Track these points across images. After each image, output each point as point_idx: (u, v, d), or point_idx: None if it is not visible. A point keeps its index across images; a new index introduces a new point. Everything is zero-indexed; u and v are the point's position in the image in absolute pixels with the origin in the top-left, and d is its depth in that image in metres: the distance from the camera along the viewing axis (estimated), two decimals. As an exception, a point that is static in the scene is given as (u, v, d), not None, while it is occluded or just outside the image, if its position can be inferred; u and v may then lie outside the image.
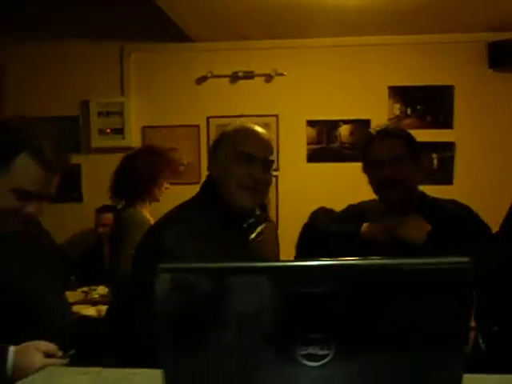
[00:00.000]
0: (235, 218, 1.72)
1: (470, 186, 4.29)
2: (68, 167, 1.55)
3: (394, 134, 2.02)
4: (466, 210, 2.05)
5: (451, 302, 0.78)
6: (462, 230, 1.90)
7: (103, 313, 3.29)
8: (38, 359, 1.37)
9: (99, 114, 4.57)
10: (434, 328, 0.79)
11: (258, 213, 1.81)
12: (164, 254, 1.54)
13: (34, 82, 4.64)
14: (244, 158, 1.70)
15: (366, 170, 2.06)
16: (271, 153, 1.78)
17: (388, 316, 0.78)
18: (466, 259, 0.77)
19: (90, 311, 3.38)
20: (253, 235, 1.76)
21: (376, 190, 2.01)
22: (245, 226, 1.75)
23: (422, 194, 2.08)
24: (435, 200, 2.08)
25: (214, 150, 1.79)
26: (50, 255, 1.69)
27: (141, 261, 1.68)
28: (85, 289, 3.86)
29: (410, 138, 2.04)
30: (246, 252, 1.72)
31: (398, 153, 1.94)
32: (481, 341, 1.60)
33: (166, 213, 1.75)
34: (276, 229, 2.05)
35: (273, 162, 1.78)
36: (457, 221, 1.94)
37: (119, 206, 3.58)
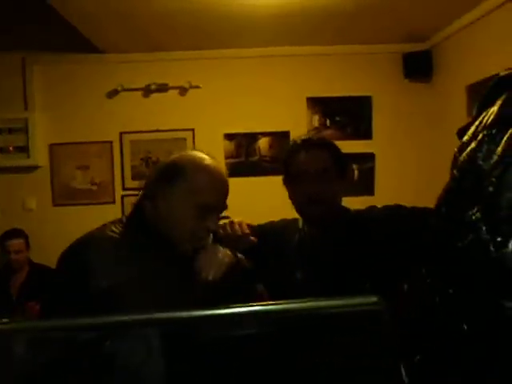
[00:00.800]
0: (163, 243, 1.57)
1: (389, 196, 4.22)
2: None
3: (319, 144, 1.84)
4: (389, 209, 1.93)
5: (365, 342, 0.77)
6: (391, 227, 1.79)
7: None
8: None
9: (0, 130, 4.22)
10: (354, 369, 0.77)
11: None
12: (76, 276, 1.48)
13: None
14: (204, 210, 1.53)
15: (287, 182, 1.88)
16: (226, 198, 1.60)
17: (305, 361, 0.76)
18: (374, 299, 0.73)
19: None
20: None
21: (297, 206, 1.84)
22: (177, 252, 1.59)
23: (345, 209, 1.91)
24: (358, 213, 1.92)
25: (165, 185, 1.57)
26: None
27: (56, 284, 1.60)
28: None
29: (336, 148, 1.86)
30: (179, 280, 1.57)
31: (323, 165, 1.77)
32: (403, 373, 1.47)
33: (88, 232, 1.59)
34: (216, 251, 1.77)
35: (226, 206, 1.62)
36: (383, 224, 1.82)
37: None
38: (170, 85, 4.32)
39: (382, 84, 4.38)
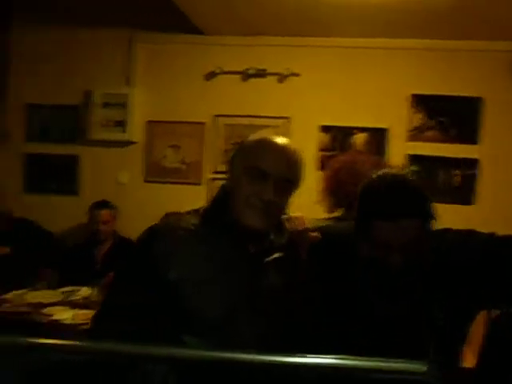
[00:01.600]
0: (241, 238, 1.53)
1: (492, 206, 3.95)
2: None
3: (410, 210, 1.47)
4: (464, 235, 1.63)
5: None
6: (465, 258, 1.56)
7: (79, 319, 3.06)
8: None
9: (102, 104, 4.34)
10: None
11: (272, 237, 1.57)
12: (148, 262, 1.49)
13: (38, 68, 4.43)
14: (255, 174, 1.49)
15: (367, 247, 1.55)
16: (292, 173, 1.53)
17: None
18: (424, 368, 0.67)
19: (65, 315, 3.14)
20: (268, 259, 1.55)
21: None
22: (252, 251, 1.54)
23: None
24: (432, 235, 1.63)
25: (231, 161, 1.61)
26: None
27: (125, 264, 1.63)
28: (67, 288, 3.63)
29: (428, 209, 1.50)
30: (249, 278, 1.52)
31: (412, 237, 1.47)
32: None
33: (168, 215, 1.60)
34: (299, 260, 1.65)
35: (292, 183, 1.54)
36: (456, 254, 1.59)
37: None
38: (269, 70, 4.22)
39: (495, 85, 4.02)
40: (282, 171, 1.49)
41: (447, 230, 1.68)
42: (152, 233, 1.56)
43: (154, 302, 1.48)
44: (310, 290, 1.62)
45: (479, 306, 1.62)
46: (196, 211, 1.59)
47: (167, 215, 1.62)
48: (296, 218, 1.66)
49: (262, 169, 1.48)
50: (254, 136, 1.59)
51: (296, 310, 1.58)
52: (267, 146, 1.53)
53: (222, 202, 1.57)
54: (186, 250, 1.50)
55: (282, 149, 1.53)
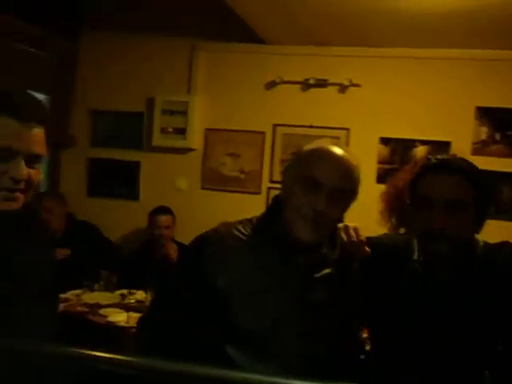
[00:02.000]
0: (291, 250, 1.50)
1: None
2: (45, 118, 1.31)
3: (456, 168, 1.52)
4: None
5: None
6: None
7: (133, 322, 3.11)
8: None
9: (163, 111, 4.42)
10: None
11: (324, 251, 1.54)
12: (197, 269, 1.51)
13: (103, 74, 4.58)
14: (308, 183, 1.46)
15: (411, 207, 1.61)
16: (346, 183, 1.49)
17: None
18: None
19: (119, 317, 3.21)
20: (317, 274, 1.52)
21: (418, 237, 1.59)
22: (302, 264, 1.51)
23: (474, 245, 1.60)
24: (489, 250, 1.60)
25: (285, 170, 1.60)
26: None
27: (176, 272, 1.67)
28: (124, 291, 3.71)
29: (483, 178, 1.55)
30: (297, 292, 1.50)
31: (458, 195, 1.49)
32: None
33: (220, 224, 1.60)
34: (351, 277, 1.62)
35: (346, 194, 1.49)
36: None
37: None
38: (330, 81, 4.18)
39: None
40: (336, 181, 1.45)
41: (505, 243, 1.61)
42: (202, 240, 1.56)
43: (202, 310, 1.49)
44: (357, 305, 1.59)
45: None
46: (249, 220, 1.58)
47: (221, 224, 1.62)
48: (352, 228, 1.62)
49: (316, 178, 1.45)
50: (310, 145, 1.56)
51: (343, 326, 1.56)
52: (321, 155, 1.50)
53: (274, 213, 1.55)
54: (235, 260, 1.49)
55: (336, 158, 1.49)
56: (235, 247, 1.51)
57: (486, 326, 1.46)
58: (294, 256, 1.50)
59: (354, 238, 1.58)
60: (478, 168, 1.57)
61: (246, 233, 1.53)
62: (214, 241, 1.53)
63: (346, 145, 4.13)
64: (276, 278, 1.48)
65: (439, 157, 1.59)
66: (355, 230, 1.61)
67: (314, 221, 1.44)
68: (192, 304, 1.48)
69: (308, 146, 1.56)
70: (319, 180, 1.44)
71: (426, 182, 1.55)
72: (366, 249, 1.59)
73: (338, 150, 1.50)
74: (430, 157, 1.62)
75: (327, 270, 1.52)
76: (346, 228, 1.61)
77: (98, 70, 4.57)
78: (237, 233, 1.53)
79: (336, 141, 4.06)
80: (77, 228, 4.12)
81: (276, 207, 1.55)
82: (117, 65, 4.56)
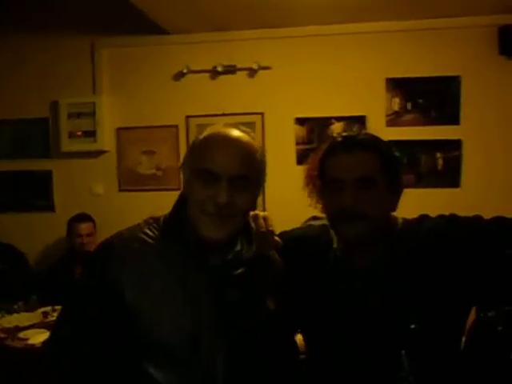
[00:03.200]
0: (201, 250, 1.36)
1: (479, 188, 3.82)
2: None
3: (365, 144, 1.45)
4: (444, 222, 1.50)
5: None
6: (446, 249, 1.42)
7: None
8: None
9: (69, 115, 4.20)
10: None
11: (238, 248, 1.40)
12: (101, 282, 1.36)
13: (1, 82, 4.30)
14: (205, 176, 1.33)
15: (320, 190, 1.52)
16: (247, 168, 1.35)
17: None
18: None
19: (41, 338, 2.99)
20: (232, 275, 1.38)
21: (330, 220, 1.50)
22: (214, 264, 1.37)
23: (390, 224, 1.52)
24: (407, 227, 1.52)
25: (182, 164, 1.44)
26: None
27: (79, 285, 1.49)
28: (47, 309, 3.49)
29: (388, 151, 1.48)
30: (210, 297, 1.36)
31: (367, 172, 1.42)
32: None
33: (118, 233, 1.43)
34: (275, 272, 1.49)
35: (249, 180, 1.35)
36: (436, 244, 1.45)
37: None
38: (238, 66, 4.08)
39: (473, 62, 3.88)
40: (234, 168, 1.32)
41: (424, 217, 1.54)
42: (105, 248, 1.42)
43: (112, 326, 1.34)
44: (283, 304, 1.47)
45: (466, 303, 1.46)
46: (156, 220, 1.43)
47: (126, 228, 1.47)
48: (262, 216, 1.49)
49: (211, 169, 1.32)
50: (202, 133, 1.41)
51: (270, 329, 1.41)
52: (214, 142, 1.36)
53: (180, 211, 1.41)
54: (142, 267, 1.35)
55: (231, 143, 1.35)
56: (142, 253, 1.37)
57: (405, 305, 1.39)
58: (205, 257, 1.37)
59: (263, 228, 1.46)
60: (383, 140, 1.50)
61: (153, 235, 1.39)
62: (118, 248, 1.38)
63: (261, 128, 4.06)
64: (188, 285, 1.35)
65: (344, 134, 1.51)
66: (265, 218, 1.49)
67: (218, 215, 1.32)
68: (100, 321, 1.34)
69: (200, 135, 1.41)
70: (215, 171, 1.31)
71: (332, 162, 1.47)
72: (277, 239, 1.49)
73: (232, 134, 1.36)
74: (334, 135, 1.53)
75: (241, 270, 1.38)
76: (255, 217, 1.48)
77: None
78: (143, 236, 1.39)
79: (252, 126, 4.00)
80: None
81: (181, 205, 1.41)
82: (14, 70, 4.30)
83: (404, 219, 1.53)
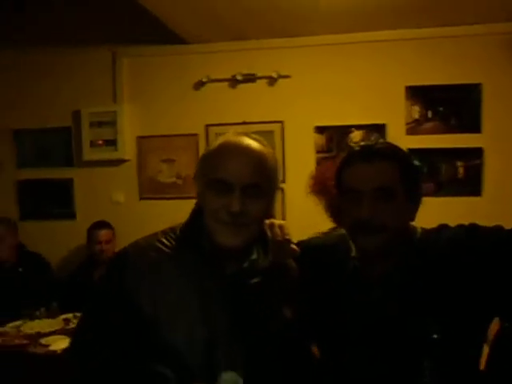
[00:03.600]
0: (216, 259, 1.37)
1: (500, 197, 3.78)
2: None
3: (384, 154, 1.42)
4: (464, 231, 1.47)
5: None
6: (466, 258, 1.40)
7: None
8: None
9: (91, 124, 4.25)
10: None
11: (254, 257, 1.40)
12: (119, 290, 1.36)
13: (23, 90, 4.37)
14: (218, 186, 1.34)
15: (339, 198, 1.52)
16: (259, 176, 1.36)
17: None
18: None
19: (62, 344, 3.02)
20: (248, 284, 1.38)
21: (348, 231, 1.50)
22: (230, 273, 1.38)
23: (410, 234, 1.50)
24: (426, 237, 1.50)
25: (195, 174, 1.45)
26: None
27: (98, 293, 1.47)
28: (69, 315, 3.52)
29: (407, 160, 1.46)
30: (226, 305, 1.36)
31: (386, 182, 1.39)
32: None
33: (135, 242, 1.46)
34: (291, 281, 1.48)
35: (262, 188, 1.36)
36: (455, 253, 1.43)
37: None
38: (258, 75, 4.09)
39: (495, 69, 3.84)
40: (246, 177, 1.33)
41: (443, 226, 1.52)
42: (121, 256, 1.43)
43: (132, 332, 1.35)
44: (298, 313, 1.46)
45: (487, 314, 1.43)
46: (172, 230, 1.44)
47: (142, 237, 1.48)
48: (277, 225, 1.49)
49: (223, 179, 1.32)
50: (214, 142, 1.42)
51: (282, 338, 1.40)
52: (225, 151, 1.36)
53: (195, 221, 1.42)
54: (158, 276, 1.36)
55: (242, 152, 1.35)
56: (158, 261, 1.38)
57: (424, 315, 1.38)
58: (221, 265, 1.38)
59: (279, 237, 1.46)
60: (401, 149, 1.49)
61: (169, 244, 1.40)
62: (134, 257, 1.40)
63: (281, 137, 4.07)
64: (204, 293, 1.35)
65: (362, 143, 1.50)
66: (280, 227, 1.48)
67: (233, 224, 1.33)
68: (120, 327, 1.34)
69: (211, 145, 1.42)
70: (227, 180, 1.32)
71: (349, 172, 1.45)
72: (294, 247, 1.48)
73: (243, 142, 1.37)
74: (353, 145, 1.53)
75: (257, 279, 1.38)
76: (271, 225, 1.48)
77: (15, 88, 4.36)
78: (159, 245, 1.40)
79: (271, 135, 4.01)
80: (27, 259, 3.95)
81: (197, 214, 1.42)
82: (37, 80, 4.35)
83: (423, 229, 1.52)
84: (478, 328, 1.43)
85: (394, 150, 1.46)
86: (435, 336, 1.28)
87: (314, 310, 1.51)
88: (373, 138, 1.52)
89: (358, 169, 1.43)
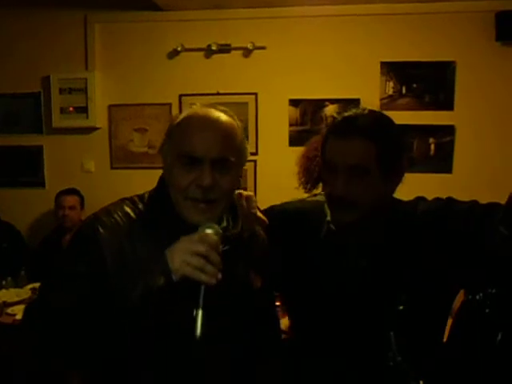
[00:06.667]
0: (185, 230, 1.30)
1: (471, 174, 3.84)
2: None
3: (363, 130, 1.38)
4: (440, 204, 1.51)
5: None
6: (440, 229, 1.43)
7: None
8: None
9: (61, 90, 4.15)
10: None
11: (224, 224, 1.37)
12: (94, 247, 1.30)
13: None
14: (186, 161, 1.30)
15: (322, 172, 1.53)
16: (229, 150, 1.32)
17: None
18: None
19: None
20: None
21: (326, 199, 1.50)
22: None
23: (386, 205, 1.50)
24: (402, 208, 1.51)
25: (160, 148, 1.40)
26: None
27: (70, 249, 1.40)
28: (35, 285, 3.49)
29: (387, 137, 1.42)
30: None
31: (361, 161, 1.38)
32: None
33: (104, 207, 1.40)
34: (262, 250, 1.48)
35: (231, 161, 1.32)
36: (430, 224, 1.45)
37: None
38: (233, 45, 4.04)
39: (469, 47, 3.86)
40: (215, 150, 1.30)
41: (420, 199, 1.55)
42: (90, 224, 1.36)
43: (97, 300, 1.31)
44: (268, 279, 1.46)
45: (455, 285, 1.46)
46: (140, 198, 1.41)
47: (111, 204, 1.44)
48: (244, 197, 1.47)
49: (192, 154, 1.29)
50: (180, 116, 1.38)
51: (250, 305, 1.40)
52: (192, 125, 1.32)
53: (161, 195, 1.38)
54: (128, 239, 1.32)
55: (211, 124, 1.32)
56: (127, 224, 1.34)
57: (394, 286, 1.40)
58: (191, 233, 1.31)
59: (245, 208, 1.44)
60: (386, 122, 1.47)
61: (137, 211, 1.37)
62: (104, 216, 1.35)
63: (255, 109, 4.04)
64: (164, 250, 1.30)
65: (345, 114, 1.46)
66: (247, 199, 1.47)
67: (203, 200, 1.30)
68: (88, 284, 1.27)
69: (179, 117, 1.38)
70: (197, 154, 1.29)
71: (330, 146, 1.44)
72: (261, 217, 1.48)
73: (212, 115, 1.33)
74: (336, 115, 1.49)
75: (227, 247, 1.33)
76: (238, 197, 1.47)
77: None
78: (128, 210, 1.36)
79: (245, 106, 3.99)
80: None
81: (162, 189, 1.38)
82: (7, 44, 4.22)
83: (400, 201, 1.53)
84: (444, 300, 1.46)
85: (377, 124, 1.43)
86: (401, 307, 1.29)
87: (286, 273, 1.52)
88: (358, 110, 1.45)
89: (337, 144, 1.42)
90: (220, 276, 1.17)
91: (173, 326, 1.23)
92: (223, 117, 1.34)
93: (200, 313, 1.13)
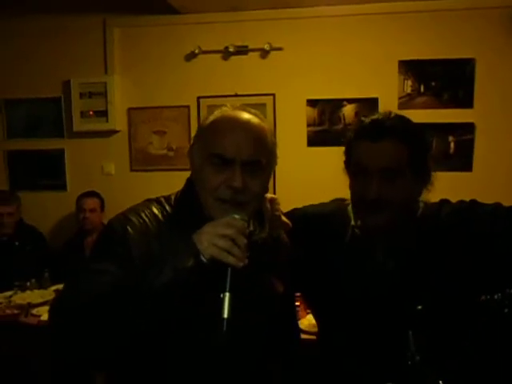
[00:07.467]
0: None
1: (491, 172, 3.80)
2: None
3: (393, 132, 1.39)
4: (463, 208, 1.50)
5: None
6: (463, 234, 1.42)
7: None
8: None
9: (81, 95, 4.21)
10: None
11: (251, 229, 1.36)
12: (124, 248, 1.28)
13: (12, 61, 4.30)
14: (217, 162, 1.30)
15: (348, 171, 1.51)
16: (260, 152, 1.32)
17: None
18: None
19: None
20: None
21: (353, 204, 1.50)
22: None
23: (414, 210, 1.50)
24: (428, 213, 1.50)
25: (190, 148, 1.40)
26: None
27: (99, 247, 1.38)
28: (59, 286, 3.54)
29: (417, 139, 1.43)
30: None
31: (393, 163, 1.38)
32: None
33: (132, 206, 1.40)
34: (286, 254, 1.48)
35: (262, 163, 1.33)
36: (453, 229, 1.44)
37: None
38: (250, 47, 4.05)
39: (489, 44, 3.82)
40: (247, 153, 1.29)
41: (444, 202, 1.54)
42: (118, 223, 1.35)
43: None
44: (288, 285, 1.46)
45: (477, 287, 1.46)
46: (167, 199, 1.41)
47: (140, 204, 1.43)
48: (268, 199, 1.46)
49: (223, 155, 1.29)
50: (211, 116, 1.38)
51: (272, 310, 1.40)
52: (224, 126, 1.32)
53: (189, 196, 1.38)
54: (150, 232, 1.32)
55: (242, 126, 1.32)
56: (155, 225, 1.34)
57: (415, 287, 1.40)
58: None
59: (268, 212, 1.43)
60: (413, 125, 1.46)
61: (165, 213, 1.37)
62: (130, 216, 1.34)
63: (272, 110, 4.05)
64: None
65: (372, 117, 1.46)
66: (271, 201, 1.46)
67: (232, 202, 1.30)
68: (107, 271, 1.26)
69: (209, 118, 1.38)
70: (228, 156, 1.29)
71: (359, 148, 1.44)
72: (285, 221, 1.48)
73: (243, 117, 1.33)
74: (363, 118, 1.49)
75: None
76: (264, 200, 1.46)
77: (5, 58, 4.29)
78: (156, 211, 1.36)
79: (263, 107, 3.99)
80: (23, 232, 4.01)
81: (190, 190, 1.39)
82: (28, 49, 4.28)
83: (425, 203, 1.52)
84: (466, 301, 1.45)
85: (405, 127, 1.43)
86: (419, 307, 1.30)
87: (308, 276, 1.52)
88: (384, 113, 1.45)
89: (366, 147, 1.41)
90: (247, 261, 1.17)
91: (198, 315, 1.23)
92: (254, 119, 1.34)
93: (227, 295, 1.14)
